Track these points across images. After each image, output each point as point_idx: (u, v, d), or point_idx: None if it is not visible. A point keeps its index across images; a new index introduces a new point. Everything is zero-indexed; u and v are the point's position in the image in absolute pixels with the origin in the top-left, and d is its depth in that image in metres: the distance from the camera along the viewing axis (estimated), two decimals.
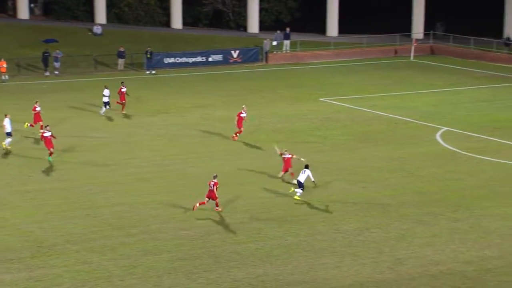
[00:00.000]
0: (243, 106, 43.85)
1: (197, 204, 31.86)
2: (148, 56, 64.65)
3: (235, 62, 68.69)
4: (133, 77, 61.37)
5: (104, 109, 48.40)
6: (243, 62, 68.87)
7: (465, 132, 45.57)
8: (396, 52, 74.14)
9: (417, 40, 74.36)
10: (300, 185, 33.57)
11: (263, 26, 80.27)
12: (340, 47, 73.96)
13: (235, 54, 69.06)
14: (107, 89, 48.29)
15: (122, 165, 38.91)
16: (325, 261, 27.68)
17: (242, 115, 42.83)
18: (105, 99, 48.16)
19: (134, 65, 65.89)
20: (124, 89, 49.19)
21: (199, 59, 67.93)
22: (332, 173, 36.79)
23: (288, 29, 72.82)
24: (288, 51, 72.13)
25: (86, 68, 64.47)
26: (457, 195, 34.55)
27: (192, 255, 28.17)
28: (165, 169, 38.35)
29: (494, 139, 44.18)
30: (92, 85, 58.75)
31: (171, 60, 67.01)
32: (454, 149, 42.05)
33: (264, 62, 69.76)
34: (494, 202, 33.54)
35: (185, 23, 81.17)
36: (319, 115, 50.01)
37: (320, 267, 27.23)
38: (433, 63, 70.33)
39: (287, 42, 72.23)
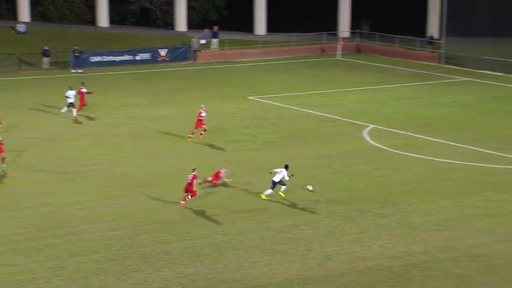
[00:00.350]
0: (202, 105, 43.54)
1: (182, 202, 32.43)
2: (77, 54, 63.78)
3: (163, 61, 68.25)
4: (59, 76, 60.45)
5: (66, 109, 47.46)
6: (172, 60, 68.51)
7: (391, 130, 46.17)
8: (323, 50, 74.75)
9: (343, 38, 75.11)
10: (279, 183, 33.46)
11: (191, 25, 79.95)
12: (268, 45, 74.20)
13: (163, 52, 68.64)
14: (72, 90, 47.49)
15: (47, 165, 38.25)
16: (255, 259, 27.69)
17: (202, 114, 42.59)
18: (70, 100, 47.19)
19: (59, 64, 64.88)
20: (84, 90, 48.56)
21: (126, 57, 67.28)
22: (261, 171, 36.80)
23: (216, 28, 72.72)
24: (217, 50, 72.03)
25: (10, 67, 63.18)
26: (384, 192, 34.96)
27: (120, 255, 27.85)
28: (91, 168, 37.84)
29: (418, 136, 44.87)
30: (16, 84, 57.65)
31: (98, 58, 66.20)
32: (380, 146, 42.57)
33: (192, 61, 69.50)
34: (420, 198, 34.04)
35: (112, 21, 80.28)
36: (248, 114, 50.04)
37: (250, 265, 27.22)
38: (359, 61, 71.13)
39: (215, 41, 72.11)
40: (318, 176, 37.30)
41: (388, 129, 46.30)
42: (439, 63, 69.31)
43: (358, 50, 75.45)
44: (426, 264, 27.25)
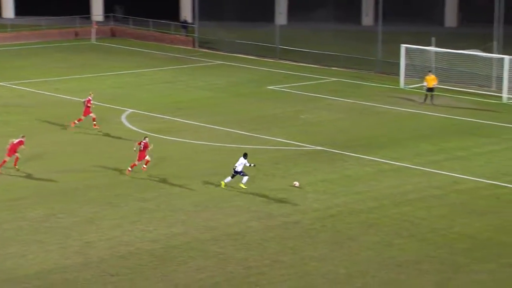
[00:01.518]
0: (90, 93, 42.42)
1: (129, 168, 34.19)
2: None
3: None
4: None
5: None
6: None
7: (150, 114, 46.25)
8: (77, 34, 73.38)
9: (97, 22, 74.17)
10: (240, 173, 32.57)
11: None
12: (17, 29, 71.65)
13: None
14: None
15: None
16: (11, 251, 26.68)
17: (91, 102, 41.50)
18: None
19: None
20: None
21: None
22: (15, 160, 35.49)
23: None
24: None
25: None
26: (145, 176, 34.92)
27: None
28: None
29: (177, 119, 45.31)
30: None
31: None
32: (140, 130, 42.49)
33: None
34: (180, 180, 34.30)
35: None
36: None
37: (6, 257, 26.21)
38: (114, 45, 70.59)
39: None
40: (78, 162, 36.61)
41: (147, 113, 46.34)
42: (193, 47, 70.32)
43: (113, 34, 74.88)
44: (186, 245, 27.59)
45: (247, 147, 39.70)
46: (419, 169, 36.28)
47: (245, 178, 32.86)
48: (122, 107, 47.41)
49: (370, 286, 24.78)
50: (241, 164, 32.78)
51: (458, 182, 34.46)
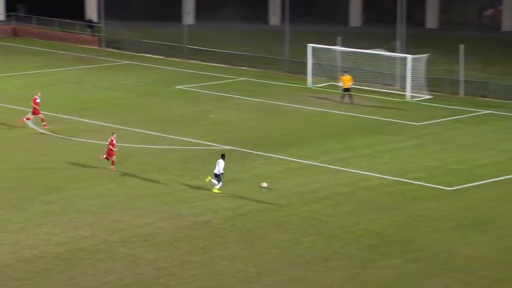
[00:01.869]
0: (38, 91, 41.78)
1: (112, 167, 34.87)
2: None
3: None
4: None
5: None
6: None
7: (56, 114, 45.43)
8: None
9: None
10: (216, 177, 31.96)
11: None
12: None
13: None
14: None
15: None
16: None
17: (37, 101, 40.89)
18: None
19: None
20: None
21: None
22: None
23: None
24: None
25: None
26: (49, 178, 34.36)
27: None
28: None
29: (83, 120, 44.67)
30: None
31: None
32: (44, 131, 41.71)
33: None
34: (87, 182, 33.89)
35: None
36: None
37: None
38: (17, 45, 69.18)
39: None
40: None
41: (52, 114, 45.46)
42: (100, 46, 69.42)
43: (15, 34, 73.38)
44: (94, 248, 27.21)
45: (155, 147, 39.44)
46: (326, 167, 36.71)
47: (219, 184, 32.61)
48: (26, 108, 46.32)
49: (279, 284, 24.93)
50: (218, 165, 32.41)
51: (364, 179, 35.01)
